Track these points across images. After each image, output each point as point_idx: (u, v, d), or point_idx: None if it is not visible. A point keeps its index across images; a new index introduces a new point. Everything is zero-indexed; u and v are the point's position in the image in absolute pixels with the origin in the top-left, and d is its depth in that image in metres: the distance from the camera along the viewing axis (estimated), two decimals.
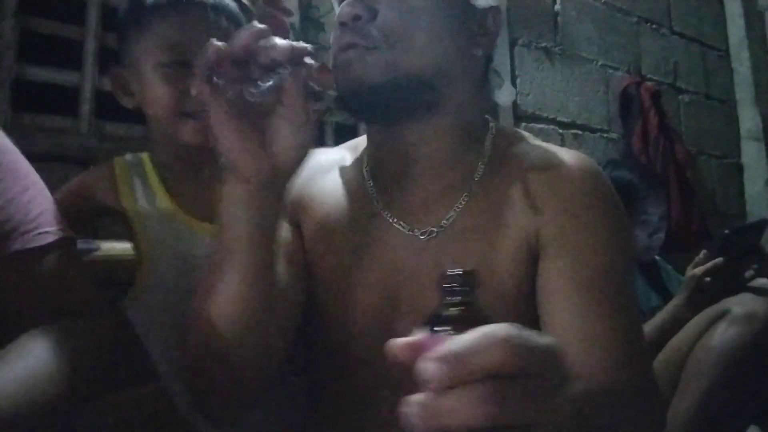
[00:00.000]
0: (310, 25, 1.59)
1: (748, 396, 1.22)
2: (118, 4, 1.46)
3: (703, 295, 1.35)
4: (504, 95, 0.76)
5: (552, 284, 0.63)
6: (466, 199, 0.68)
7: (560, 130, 2.27)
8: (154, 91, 0.86)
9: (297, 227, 0.74)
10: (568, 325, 0.60)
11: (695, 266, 1.39)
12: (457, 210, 0.67)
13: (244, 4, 1.16)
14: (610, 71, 2.48)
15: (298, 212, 0.74)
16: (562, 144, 2.25)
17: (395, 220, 0.69)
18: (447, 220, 0.67)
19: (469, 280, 0.39)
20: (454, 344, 0.33)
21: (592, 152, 2.32)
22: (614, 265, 0.64)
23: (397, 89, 0.64)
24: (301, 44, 0.52)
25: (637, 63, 2.58)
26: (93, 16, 1.40)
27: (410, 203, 0.70)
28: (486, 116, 0.76)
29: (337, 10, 0.67)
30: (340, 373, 0.70)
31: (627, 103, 2.46)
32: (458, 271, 0.39)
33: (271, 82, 0.51)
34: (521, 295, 0.65)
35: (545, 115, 2.22)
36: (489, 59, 0.75)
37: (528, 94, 2.18)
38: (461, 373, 0.32)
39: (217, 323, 0.57)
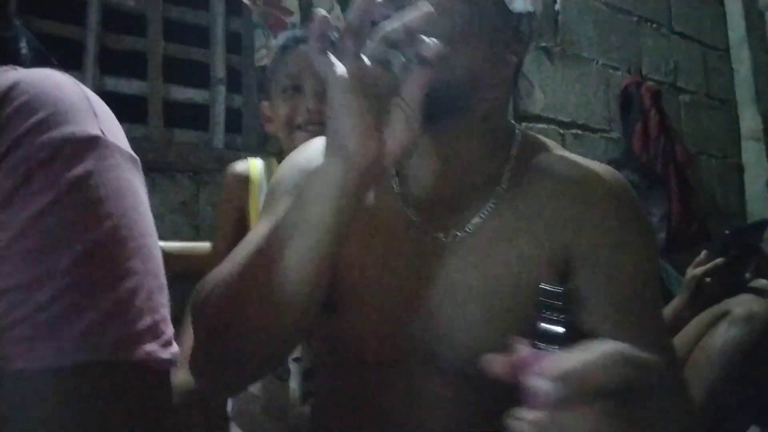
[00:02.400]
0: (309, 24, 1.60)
1: (748, 396, 1.22)
2: (118, 4, 1.46)
3: (704, 296, 1.35)
4: (533, 102, 0.75)
5: (586, 302, 0.63)
6: (492, 205, 0.66)
7: (560, 130, 2.27)
8: (277, 112, 1.18)
9: None
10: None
11: (696, 267, 1.39)
12: (483, 217, 0.66)
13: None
14: (611, 71, 2.48)
15: None
16: (563, 144, 2.25)
17: (418, 219, 0.68)
18: (472, 225, 0.66)
19: (570, 297, 0.39)
20: (573, 362, 0.33)
21: (592, 152, 2.32)
22: (647, 283, 0.65)
23: (429, 102, 0.60)
24: (435, 42, 0.51)
25: (637, 63, 2.58)
26: (93, 16, 1.40)
27: (434, 203, 0.68)
28: (513, 122, 0.74)
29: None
30: (352, 372, 0.69)
31: (627, 103, 2.46)
32: (559, 288, 0.39)
33: (399, 57, 0.50)
34: None
35: (545, 115, 2.22)
36: (519, 64, 0.73)
37: None
38: (581, 392, 0.32)
39: (259, 297, 0.56)
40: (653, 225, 1.66)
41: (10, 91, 0.41)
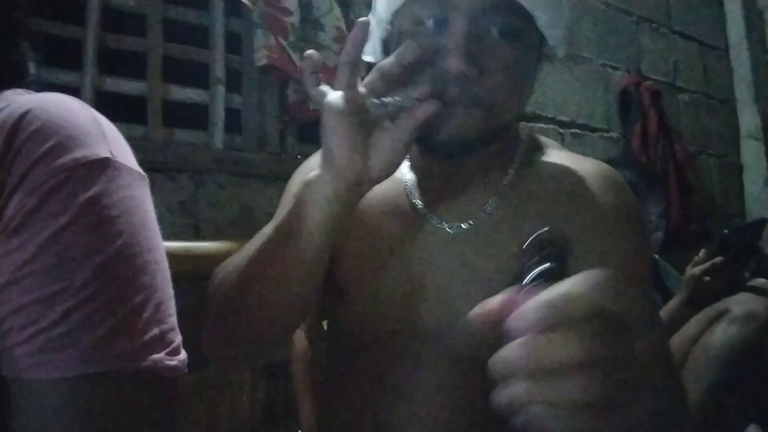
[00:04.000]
0: (309, 25, 1.60)
1: (747, 394, 1.22)
2: (118, 4, 1.46)
3: (703, 295, 1.36)
4: None
5: None
6: (496, 200, 0.71)
7: (560, 130, 2.27)
8: None
9: None
10: None
11: (695, 265, 1.40)
12: (487, 211, 0.71)
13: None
14: (610, 71, 2.48)
15: None
16: (562, 143, 2.25)
17: (426, 212, 0.72)
18: (476, 218, 0.70)
19: (554, 237, 0.39)
20: (558, 288, 0.34)
21: (591, 152, 2.32)
22: (638, 267, 0.68)
23: (487, 138, 0.68)
24: (425, 86, 0.59)
25: (636, 62, 2.59)
26: (93, 16, 1.40)
27: (441, 197, 0.73)
28: (517, 124, 0.79)
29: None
30: (359, 355, 0.73)
31: (627, 102, 2.47)
32: (544, 230, 0.39)
33: (397, 102, 0.58)
34: None
35: (545, 114, 2.22)
36: None
37: None
38: (566, 315, 0.33)
39: (259, 285, 0.64)
40: (646, 217, 1.66)
41: (23, 118, 0.43)
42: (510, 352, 0.35)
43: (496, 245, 0.69)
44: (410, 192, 0.75)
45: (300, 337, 1.18)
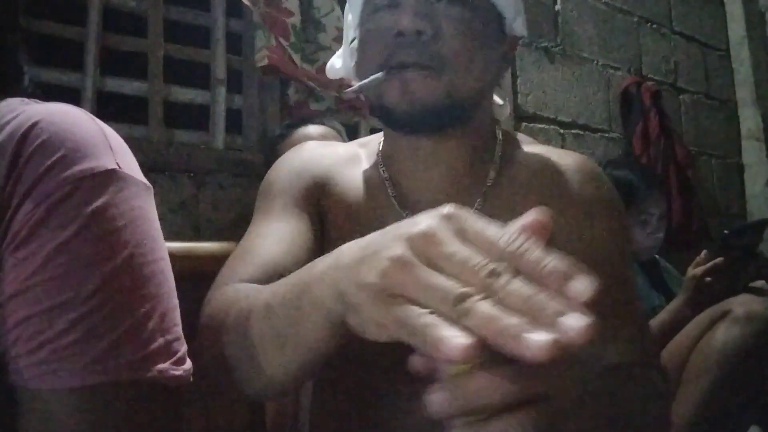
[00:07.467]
0: (310, 25, 1.60)
1: (749, 396, 1.22)
2: (119, 4, 1.46)
3: (704, 295, 1.35)
4: (503, 111, 0.81)
5: None
6: (480, 203, 0.70)
7: (561, 130, 2.27)
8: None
9: (316, 212, 0.73)
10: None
11: (696, 266, 1.39)
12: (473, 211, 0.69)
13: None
14: (611, 71, 2.48)
15: (319, 197, 0.74)
16: (563, 144, 2.25)
17: (407, 214, 0.70)
18: None
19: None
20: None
21: (592, 152, 2.32)
22: (624, 255, 0.71)
23: (450, 110, 0.66)
24: None
25: (637, 63, 2.59)
26: (94, 17, 1.40)
27: (427, 205, 0.68)
28: (494, 120, 0.78)
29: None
30: (348, 366, 0.69)
31: (627, 103, 2.47)
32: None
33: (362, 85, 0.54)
34: None
35: (546, 115, 2.22)
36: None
37: (528, 95, 2.18)
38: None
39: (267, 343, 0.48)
40: (647, 217, 1.66)
41: (31, 130, 0.44)
42: (435, 394, 0.33)
43: None
44: (394, 197, 0.72)
45: None
